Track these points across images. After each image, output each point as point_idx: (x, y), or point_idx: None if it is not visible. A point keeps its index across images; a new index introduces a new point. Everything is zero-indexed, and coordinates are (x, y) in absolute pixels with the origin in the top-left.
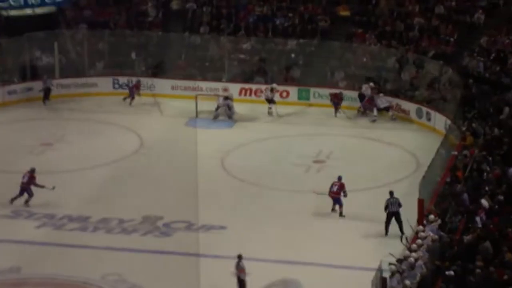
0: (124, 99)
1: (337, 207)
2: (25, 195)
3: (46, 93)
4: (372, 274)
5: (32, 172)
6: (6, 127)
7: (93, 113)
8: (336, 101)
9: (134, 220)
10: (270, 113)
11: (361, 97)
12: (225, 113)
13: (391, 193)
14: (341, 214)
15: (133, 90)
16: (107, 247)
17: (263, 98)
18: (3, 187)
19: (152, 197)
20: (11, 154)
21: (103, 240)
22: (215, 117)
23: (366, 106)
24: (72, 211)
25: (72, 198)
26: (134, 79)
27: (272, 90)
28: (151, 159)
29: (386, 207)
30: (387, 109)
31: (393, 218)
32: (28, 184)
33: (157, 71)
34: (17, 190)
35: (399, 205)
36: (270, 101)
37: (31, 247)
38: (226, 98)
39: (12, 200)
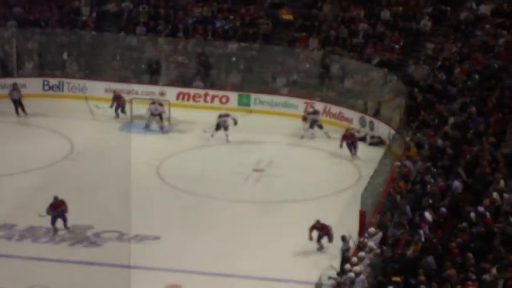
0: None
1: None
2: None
3: (17, 105)
4: None
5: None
6: None
7: (21, 116)
8: (351, 142)
9: (63, 229)
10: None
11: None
12: (152, 120)
13: (343, 238)
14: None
15: (118, 100)
16: (33, 257)
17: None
18: None
19: (82, 205)
20: None
21: (30, 250)
22: (147, 126)
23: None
24: None
25: None
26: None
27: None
28: (81, 166)
29: (345, 252)
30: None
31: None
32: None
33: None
34: None
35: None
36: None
37: None
38: (152, 103)
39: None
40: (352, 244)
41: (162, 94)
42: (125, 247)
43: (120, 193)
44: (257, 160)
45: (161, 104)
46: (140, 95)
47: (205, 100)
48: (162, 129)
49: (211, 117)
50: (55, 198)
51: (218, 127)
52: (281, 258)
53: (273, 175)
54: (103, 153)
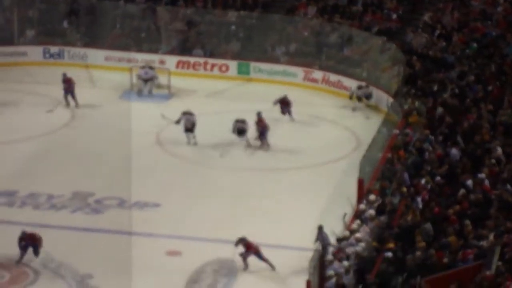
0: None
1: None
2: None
3: None
4: (310, 254)
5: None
6: None
7: (22, 84)
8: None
9: (64, 196)
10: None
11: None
12: (144, 85)
13: (320, 228)
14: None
15: (68, 84)
16: (34, 223)
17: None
18: None
19: (83, 173)
20: None
21: (31, 216)
22: (139, 92)
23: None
24: None
25: None
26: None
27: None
28: (82, 133)
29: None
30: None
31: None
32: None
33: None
34: None
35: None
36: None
37: None
38: (142, 67)
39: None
40: (350, 210)
41: (162, 62)
42: (126, 214)
43: (120, 161)
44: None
45: (151, 68)
46: (140, 63)
47: (204, 69)
48: (151, 93)
49: (211, 85)
50: (23, 233)
51: (186, 129)
52: (281, 224)
53: (272, 143)
54: (103, 120)
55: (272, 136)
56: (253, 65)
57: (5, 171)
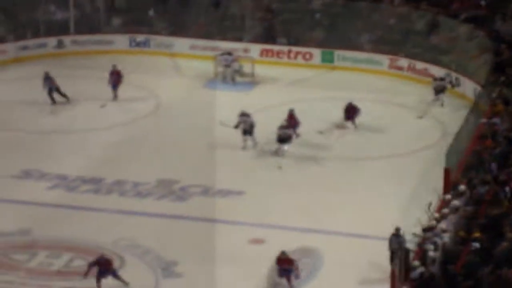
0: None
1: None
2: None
3: (52, 94)
4: None
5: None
6: (18, 84)
7: (108, 72)
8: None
9: (149, 184)
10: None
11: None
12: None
13: (397, 230)
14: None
15: (116, 76)
16: (120, 210)
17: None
18: (12, 145)
19: (168, 160)
20: (22, 111)
21: (117, 203)
22: (224, 79)
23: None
24: (85, 173)
25: (86, 159)
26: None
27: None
28: (168, 121)
29: (390, 244)
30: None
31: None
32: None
33: None
34: None
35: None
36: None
37: (43, 208)
38: (221, 54)
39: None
40: (436, 200)
41: (246, 50)
42: (210, 201)
43: (205, 148)
44: (340, 117)
45: (230, 54)
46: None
47: (288, 57)
48: (234, 80)
49: (295, 73)
50: (102, 256)
51: (245, 132)
52: (364, 214)
53: (355, 132)
54: (188, 109)
55: (357, 125)
56: (337, 53)
57: (92, 159)
